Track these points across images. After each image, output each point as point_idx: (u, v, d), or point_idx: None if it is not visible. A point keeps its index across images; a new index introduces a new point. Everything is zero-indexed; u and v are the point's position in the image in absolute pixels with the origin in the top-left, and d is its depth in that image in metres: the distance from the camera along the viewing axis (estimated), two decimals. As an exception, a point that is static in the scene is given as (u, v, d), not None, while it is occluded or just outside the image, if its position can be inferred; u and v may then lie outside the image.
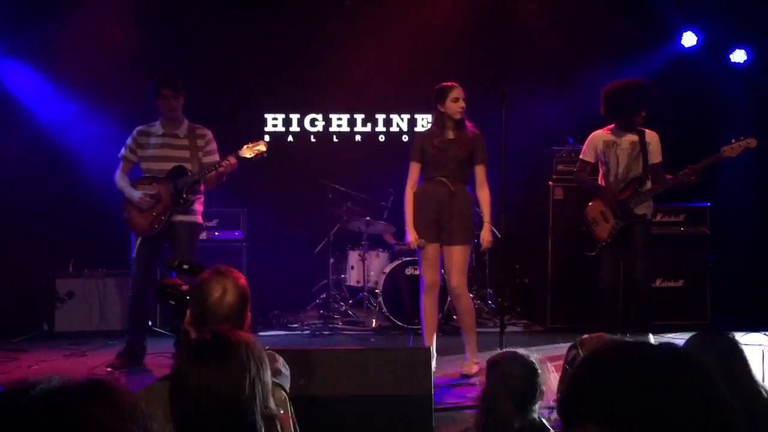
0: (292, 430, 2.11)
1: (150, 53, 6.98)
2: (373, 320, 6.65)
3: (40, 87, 6.98)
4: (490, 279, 7.17)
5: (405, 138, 7.64)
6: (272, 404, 1.85)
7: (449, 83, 5.01)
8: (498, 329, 5.12)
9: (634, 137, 5.29)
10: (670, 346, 1.16)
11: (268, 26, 7.56)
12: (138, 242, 5.27)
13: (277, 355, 2.43)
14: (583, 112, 6.28)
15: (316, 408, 3.16)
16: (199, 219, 5.42)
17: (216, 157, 5.37)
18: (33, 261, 6.59)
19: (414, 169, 5.09)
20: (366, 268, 6.87)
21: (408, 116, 7.78)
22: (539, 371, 2.34)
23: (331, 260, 7.06)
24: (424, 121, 7.61)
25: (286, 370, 2.43)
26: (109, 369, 5.14)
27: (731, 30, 7.25)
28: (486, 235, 5.00)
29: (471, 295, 6.77)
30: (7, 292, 6.47)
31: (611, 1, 7.58)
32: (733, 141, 5.13)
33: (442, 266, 5.05)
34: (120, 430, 0.97)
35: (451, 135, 5.02)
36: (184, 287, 2.59)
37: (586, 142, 5.49)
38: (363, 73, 7.40)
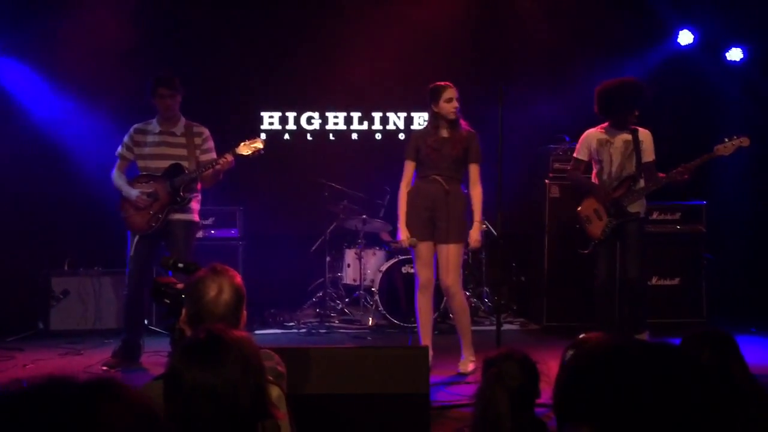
0: (289, 428, 2.10)
1: (146, 51, 6.96)
2: (370, 318, 6.65)
3: (36, 84, 6.95)
4: (487, 277, 7.17)
5: (402, 136, 7.64)
6: (268, 403, 1.85)
7: (442, 83, 5.01)
8: (494, 327, 5.12)
9: (628, 136, 5.31)
10: (663, 346, 1.16)
11: (264, 24, 7.54)
12: (135, 241, 5.25)
13: (273, 354, 2.42)
14: (580, 110, 6.28)
15: (312, 406, 3.16)
16: (196, 217, 5.41)
17: (213, 155, 5.36)
18: (28, 259, 6.57)
19: (408, 168, 5.10)
20: (362, 267, 6.87)
21: (405, 114, 7.77)
22: (535, 370, 2.34)
23: (328, 258, 7.06)
24: (420, 119, 7.60)
25: (282, 369, 2.42)
26: (104, 368, 5.13)
27: (727, 28, 7.26)
28: (475, 234, 4.99)
29: (467, 293, 6.82)
30: (2, 291, 6.45)
31: (608, -1, 7.59)
32: (726, 140, 5.16)
33: (437, 264, 5.05)
34: (132, 427, 0.98)
35: (445, 134, 5.02)
36: (179, 286, 2.58)
37: (579, 141, 5.52)
38: (359, 71, 7.39)
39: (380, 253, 7.05)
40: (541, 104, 7.09)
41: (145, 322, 5.70)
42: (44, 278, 6.41)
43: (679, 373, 1.09)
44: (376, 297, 6.59)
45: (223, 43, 7.40)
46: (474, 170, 5.04)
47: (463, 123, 5.06)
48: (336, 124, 7.77)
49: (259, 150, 5.21)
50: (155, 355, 5.33)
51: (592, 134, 5.43)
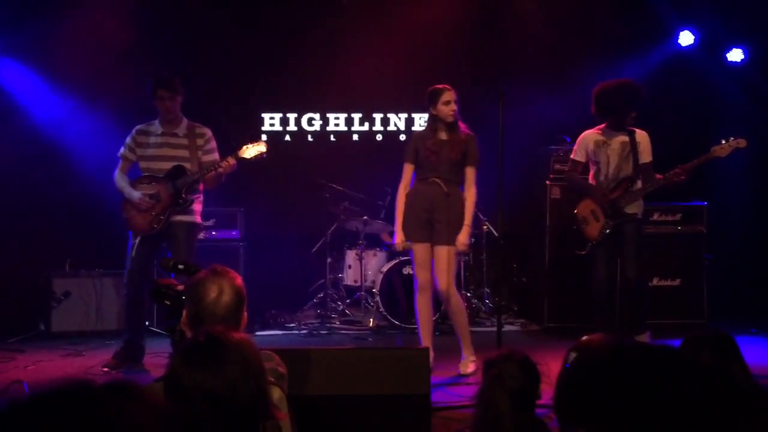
0: (290, 430, 2.10)
1: (146, 51, 6.96)
2: (371, 320, 6.65)
3: (36, 85, 6.96)
4: (488, 278, 7.17)
5: (402, 137, 7.63)
6: (269, 404, 1.85)
7: (440, 86, 5.02)
8: (495, 328, 5.12)
9: (625, 137, 5.32)
10: (664, 348, 1.16)
11: (265, 25, 7.54)
12: (136, 241, 5.25)
13: (273, 355, 2.42)
14: (580, 111, 6.27)
15: (313, 408, 3.16)
16: (198, 219, 5.42)
17: (215, 156, 5.37)
18: (29, 261, 6.58)
19: (407, 170, 5.11)
20: (363, 268, 6.87)
21: (405, 115, 7.77)
22: (536, 371, 2.35)
23: (329, 260, 7.06)
24: (421, 121, 7.60)
25: (283, 370, 2.42)
26: (105, 369, 5.13)
27: (728, 29, 7.26)
28: (462, 238, 4.98)
29: (468, 294, 6.83)
30: (3, 292, 6.45)
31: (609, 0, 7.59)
32: (723, 141, 5.17)
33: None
34: (155, 428, 1.01)
35: (443, 136, 5.03)
36: (180, 287, 2.59)
37: (576, 142, 5.53)
38: (360, 72, 7.39)
39: (381, 254, 7.05)
40: (541, 105, 7.09)
41: (146, 323, 5.69)
42: (45, 279, 6.41)
43: (680, 375, 1.10)
44: (377, 298, 6.59)
45: (223, 44, 7.41)
46: (470, 173, 5.05)
47: (461, 126, 5.06)
48: (337, 125, 7.77)
49: (262, 153, 5.22)
50: (156, 356, 5.32)
51: (589, 135, 5.44)
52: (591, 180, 5.47)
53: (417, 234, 5.02)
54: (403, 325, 6.45)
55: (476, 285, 7.17)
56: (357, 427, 3.33)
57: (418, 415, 3.38)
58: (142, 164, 5.37)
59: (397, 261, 6.67)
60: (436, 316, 5.76)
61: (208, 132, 5.44)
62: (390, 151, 7.21)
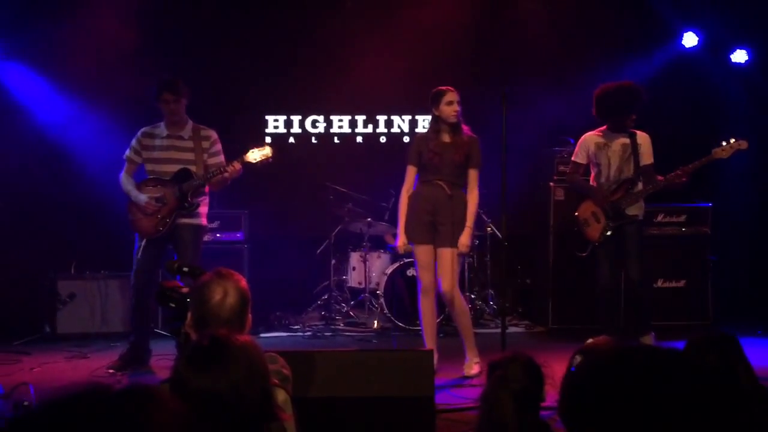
0: (294, 431, 2.11)
1: (150, 54, 6.97)
2: (375, 321, 6.65)
3: (40, 87, 6.97)
4: (492, 280, 7.17)
5: (406, 139, 7.64)
6: (274, 406, 1.85)
7: (443, 87, 5.03)
8: (499, 330, 5.11)
9: (626, 139, 5.33)
10: (669, 351, 1.16)
11: (269, 27, 7.55)
12: (142, 244, 5.26)
13: (278, 357, 2.43)
14: (584, 112, 6.27)
15: (317, 409, 3.16)
16: (204, 221, 5.43)
17: (221, 158, 5.37)
18: (34, 263, 6.59)
19: (410, 173, 5.11)
20: (367, 270, 6.87)
21: (409, 117, 7.77)
22: (540, 373, 2.34)
23: (333, 261, 7.06)
24: (425, 122, 7.59)
25: (287, 372, 2.43)
26: (110, 371, 5.14)
27: (732, 30, 7.25)
28: (464, 239, 4.98)
29: (473, 296, 6.82)
30: (9, 295, 6.47)
31: (612, 1, 7.58)
32: (725, 143, 5.18)
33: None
34: (171, 428, 1.03)
35: (446, 138, 5.03)
36: (185, 290, 2.59)
37: (578, 144, 5.54)
38: (364, 74, 7.39)
39: (385, 256, 7.05)
40: (545, 106, 7.09)
41: (151, 325, 5.70)
42: (50, 281, 6.42)
43: (685, 378, 1.10)
44: (381, 300, 6.59)
45: (227, 47, 7.41)
46: (473, 175, 5.04)
47: (465, 128, 5.06)
48: (341, 127, 7.78)
49: (267, 158, 5.22)
50: (162, 358, 5.33)
51: (590, 137, 5.45)
52: (592, 182, 5.47)
53: (420, 236, 5.02)
54: (407, 327, 6.45)
55: (480, 287, 7.17)
56: (361, 429, 3.33)
57: (422, 417, 3.38)
58: (148, 167, 5.38)
59: (401, 263, 6.66)
60: (440, 318, 5.75)
61: (214, 134, 5.44)
62: (393, 152, 7.21)
